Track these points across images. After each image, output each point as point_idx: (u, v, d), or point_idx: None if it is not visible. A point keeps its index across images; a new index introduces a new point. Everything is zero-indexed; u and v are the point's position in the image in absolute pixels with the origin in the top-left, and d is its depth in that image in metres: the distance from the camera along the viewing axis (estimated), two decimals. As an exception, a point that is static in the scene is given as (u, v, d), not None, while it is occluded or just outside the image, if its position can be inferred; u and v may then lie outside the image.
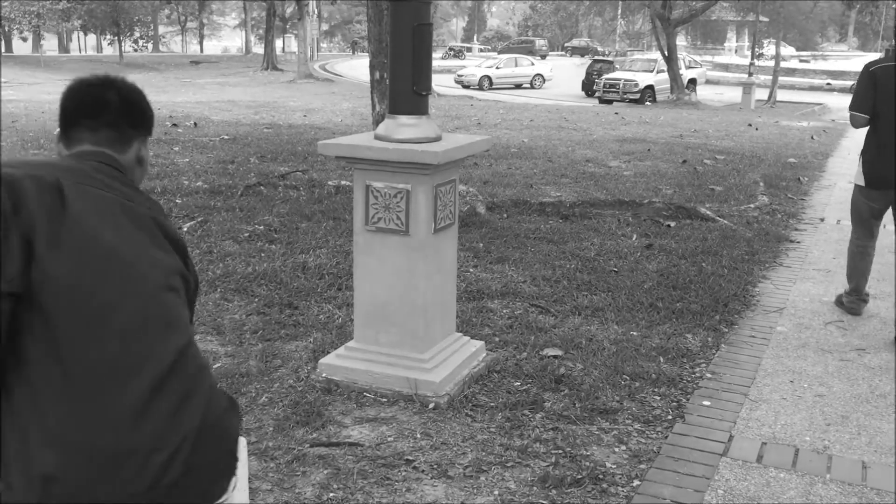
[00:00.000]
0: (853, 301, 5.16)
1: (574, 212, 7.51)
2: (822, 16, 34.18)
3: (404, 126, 3.68)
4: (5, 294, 1.41)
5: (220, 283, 5.16)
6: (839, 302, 5.28)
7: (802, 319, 4.97)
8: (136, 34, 50.85)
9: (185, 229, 6.42)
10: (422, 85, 3.67)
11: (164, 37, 76.97)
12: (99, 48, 59.31)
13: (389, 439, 3.31)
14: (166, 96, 23.33)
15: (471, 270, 5.71)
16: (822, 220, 7.73)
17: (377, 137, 3.72)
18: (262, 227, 6.55)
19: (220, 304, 4.83)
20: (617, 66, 33.23)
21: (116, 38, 47.71)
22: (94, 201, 1.58)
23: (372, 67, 7.41)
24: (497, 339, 4.47)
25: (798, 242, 6.91)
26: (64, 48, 63.87)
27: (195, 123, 14.22)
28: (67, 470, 1.45)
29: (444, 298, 3.92)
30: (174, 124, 13.93)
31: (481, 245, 6.34)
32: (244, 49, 68.75)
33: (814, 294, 5.49)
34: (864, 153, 4.96)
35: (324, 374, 3.82)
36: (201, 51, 73.48)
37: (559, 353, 4.28)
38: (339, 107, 19.78)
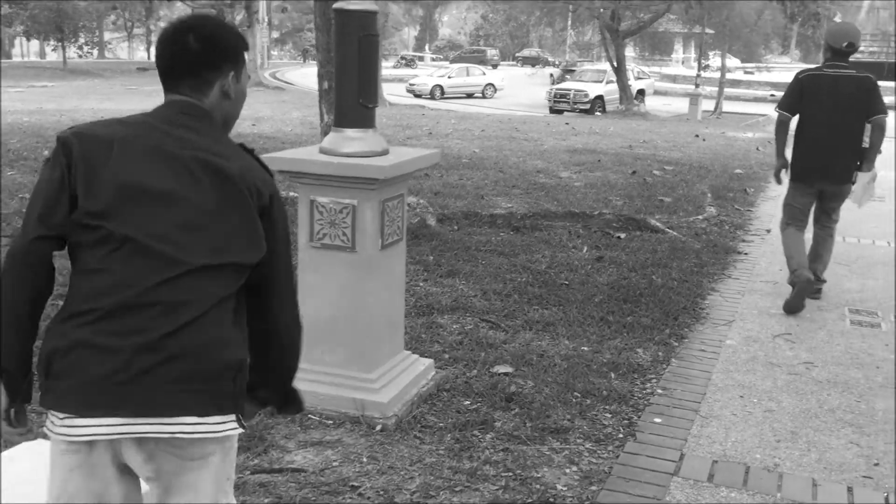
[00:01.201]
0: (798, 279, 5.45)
1: (525, 224, 7.47)
2: (765, 28, 34.88)
3: (350, 139, 3.58)
4: (53, 236, 1.73)
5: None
6: (792, 283, 5.48)
7: (751, 332, 4.99)
8: (81, 40, 49.80)
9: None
10: (368, 98, 3.58)
11: (109, 43, 75.55)
12: (42, 54, 58.00)
13: (334, 464, 3.20)
14: (111, 104, 22.82)
15: (420, 284, 5.62)
16: (768, 231, 7.81)
17: (322, 151, 3.62)
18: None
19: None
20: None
21: (60, 43, 46.69)
22: (137, 152, 1.76)
23: (320, 77, 7.28)
24: (447, 355, 4.38)
25: (746, 254, 6.96)
26: (6, 54, 62.27)
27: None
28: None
29: (392, 316, 3.83)
30: (118, 133, 13.57)
31: (432, 258, 6.26)
32: (193, 56, 67.76)
33: (762, 306, 5.52)
34: (793, 151, 5.58)
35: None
36: (148, 57, 72.20)
37: (510, 369, 4.21)
38: (289, 116, 19.55)
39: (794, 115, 5.49)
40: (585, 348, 4.56)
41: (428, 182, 9.64)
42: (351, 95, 3.57)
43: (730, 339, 4.87)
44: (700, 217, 8.21)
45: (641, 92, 32.85)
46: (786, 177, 5.72)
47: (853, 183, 5.55)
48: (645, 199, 9.11)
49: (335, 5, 3.56)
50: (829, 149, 5.42)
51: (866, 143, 5.41)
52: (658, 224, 7.56)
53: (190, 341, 1.70)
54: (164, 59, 1.88)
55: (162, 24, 56.67)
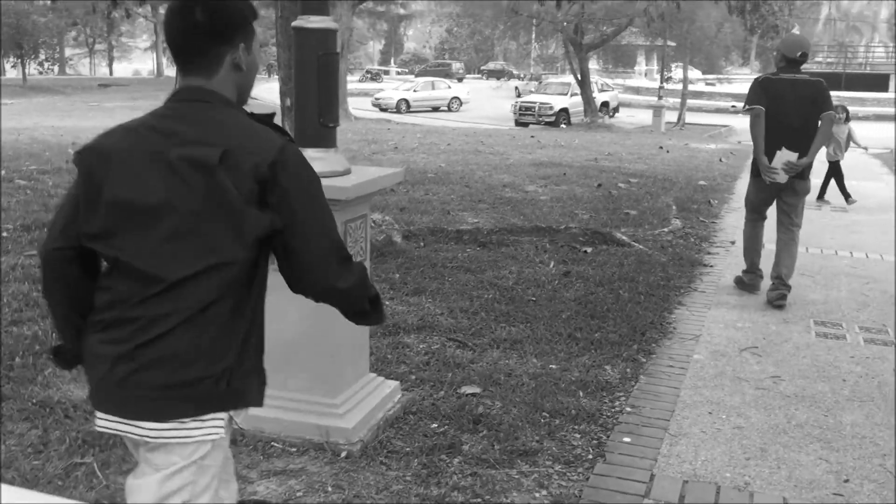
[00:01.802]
0: (752, 278, 6.22)
1: (492, 239, 7.44)
2: (726, 41, 35.43)
3: (311, 160, 3.48)
4: (71, 246, 1.87)
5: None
6: (739, 281, 6.30)
7: (718, 347, 4.98)
8: (41, 56, 49.09)
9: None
10: (329, 117, 3.52)
11: (70, 59, 74.59)
12: (1, 71, 57.10)
13: (298, 494, 3.11)
14: (71, 121, 22.50)
15: (387, 303, 5.54)
16: (732, 243, 7.86)
17: (282, 172, 3.53)
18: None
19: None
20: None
21: (20, 60, 45.98)
22: (131, 164, 1.80)
23: (282, 94, 7.19)
24: (413, 376, 4.31)
25: (711, 266, 6.99)
26: (-37, 71, 61.17)
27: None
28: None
29: (356, 339, 3.75)
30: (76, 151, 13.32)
31: (397, 276, 6.19)
32: (156, 72, 67.24)
33: (728, 320, 5.52)
34: (754, 149, 5.97)
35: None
36: (111, 73, 71.45)
37: (477, 390, 4.15)
38: (253, 131, 19.36)
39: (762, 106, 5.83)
40: (553, 366, 4.52)
41: (394, 198, 9.57)
42: (311, 114, 3.50)
43: (697, 353, 4.85)
44: (665, 230, 8.24)
45: (606, 104, 33.17)
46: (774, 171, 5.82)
47: (809, 181, 6.06)
48: (611, 212, 9.13)
49: (294, 23, 3.50)
50: (788, 146, 5.75)
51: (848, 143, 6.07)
52: (624, 238, 7.57)
53: (161, 352, 1.77)
54: (172, 36, 1.87)
55: (123, 40, 55.63)
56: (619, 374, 4.45)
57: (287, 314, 3.55)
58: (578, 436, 3.69)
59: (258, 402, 1.93)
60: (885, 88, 44.24)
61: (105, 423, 1.87)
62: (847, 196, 10.28)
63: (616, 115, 33.64)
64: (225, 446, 1.93)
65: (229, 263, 1.80)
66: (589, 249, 7.23)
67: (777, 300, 5.78)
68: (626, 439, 3.68)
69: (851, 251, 7.69)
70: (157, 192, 1.78)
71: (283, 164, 1.81)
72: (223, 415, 1.85)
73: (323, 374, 3.59)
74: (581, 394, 4.16)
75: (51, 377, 4.11)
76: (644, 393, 4.24)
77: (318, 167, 3.49)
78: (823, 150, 10.01)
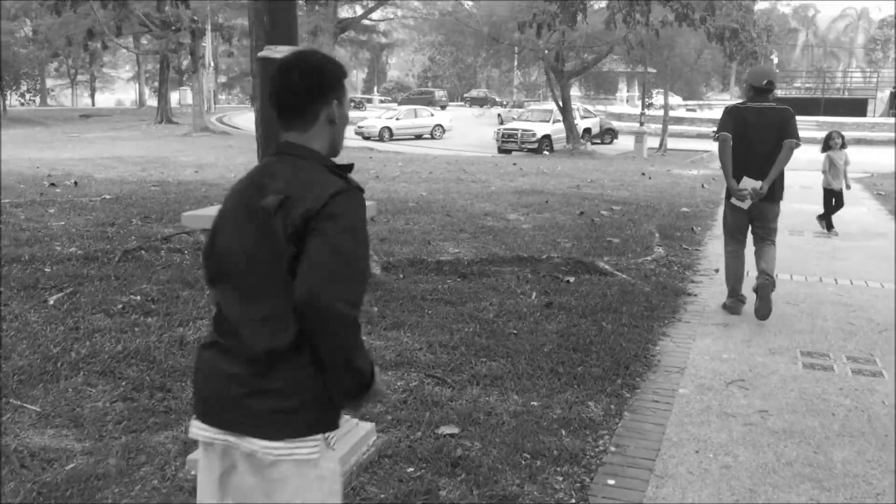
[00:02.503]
0: (734, 302, 6.36)
1: (472, 270, 7.31)
2: (705, 67, 35.76)
3: (278, 194, 3.38)
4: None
5: (84, 364, 4.68)
6: (724, 306, 6.41)
7: (704, 380, 4.85)
8: (23, 87, 48.88)
9: (52, 302, 5.89)
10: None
11: (52, 90, 74.45)
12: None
13: (264, 549, 2.93)
14: (51, 153, 22.27)
15: (364, 338, 5.38)
16: (716, 270, 7.76)
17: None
18: (138, 298, 6.07)
19: (81, 389, 4.35)
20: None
21: (0, 92, 45.77)
22: (231, 218, 2.08)
23: (257, 124, 7.06)
24: (390, 416, 4.15)
25: (695, 295, 6.88)
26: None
27: (76, 182, 13.46)
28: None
29: (327, 380, 3.59)
30: (52, 184, 13.15)
31: (376, 309, 6.04)
32: (138, 102, 67.14)
33: (714, 351, 5.40)
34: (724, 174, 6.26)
35: (193, 472, 3.41)
36: (93, 104, 71.32)
37: (456, 430, 4.00)
38: (233, 161, 19.24)
39: (732, 134, 6.13)
40: (535, 403, 4.37)
41: (374, 228, 9.44)
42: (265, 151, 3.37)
43: (683, 387, 4.72)
44: (649, 258, 8.15)
45: (588, 131, 33.29)
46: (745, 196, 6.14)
47: (779, 202, 6.27)
48: (593, 240, 9.03)
49: (260, 54, 3.39)
50: (756, 172, 6.05)
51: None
52: (607, 267, 7.47)
53: (269, 384, 1.96)
54: (274, 98, 2.09)
55: (105, 70, 55.60)
56: (602, 411, 4.31)
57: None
58: (561, 478, 3.54)
59: (337, 425, 2.08)
60: (863, 113, 44.75)
61: (209, 434, 2.06)
62: (830, 226, 10.14)
63: (614, 141, 33.75)
64: (335, 459, 2.10)
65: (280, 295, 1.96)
66: (571, 279, 7.11)
67: (763, 288, 6.01)
68: (611, 482, 3.54)
69: (836, 278, 7.61)
70: (244, 244, 2.02)
71: (322, 214, 1.92)
72: (320, 436, 2.01)
73: (293, 418, 3.42)
74: (563, 432, 4.01)
75: (8, 423, 3.92)
76: (628, 430, 4.10)
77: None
78: (822, 178, 10.03)
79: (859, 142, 30.32)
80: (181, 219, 3.42)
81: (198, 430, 2.08)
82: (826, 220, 10.18)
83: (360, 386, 2.01)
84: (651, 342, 5.53)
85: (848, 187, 10.33)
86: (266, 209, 1.95)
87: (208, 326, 2.21)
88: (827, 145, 10.33)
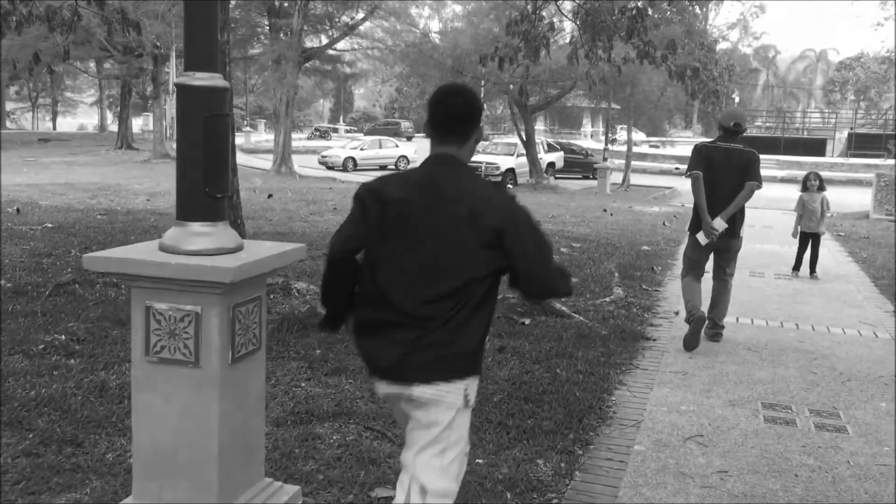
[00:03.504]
0: (692, 320, 6.48)
1: (424, 310, 6.99)
2: (668, 104, 36.11)
3: (195, 235, 3.05)
4: (352, 253, 2.73)
5: (-10, 414, 4.27)
6: (688, 320, 6.54)
7: (661, 435, 4.58)
8: (-20, 110, 47.76)
9: (-33, 341, 5.46)
10: (216, 186, 3.08)
11: (13, 113, 73.12)
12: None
13: None
14: (4, 178, 21.58)
15: (302, 385, 5.05)
16: (676, 313, 7.55)
17: (162, 248, 3.07)
18: (62, 337, 5.67)
19: (-19, 443, 3.95)
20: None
21: (-45, 113, 44.75)
22: (406, 207, 2.60)
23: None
24: (321, 476, 3.81)
25: (654, 340, 6.64)
26: None
27: (18, 209, 12.94)
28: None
29: (247, 441, 3.25)
30: (-6, 211, 12.65)
31: (319, 352, 5.70)
32: (100, 127, 66.17)
33: (671, 402, 5.14)
34: (693, 210, 6.56)
35: (90, 545, 3.05)
36: (54, 128, 70.11)
37: (391, 493, 3.65)
38: (190, 189, 18.77)
39: (702, 171, 6.41)
40: (480, 461, 4.06)
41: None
42: (196, 183, 3.06)
43: (638, 443, 4.44)
44: (607, 299, 7.91)
45: (552, 165, 33.32)
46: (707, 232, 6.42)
47: (740, 238, 6.59)
48: (551, 279, 8.77)
49: (176, 80, 3.08)
50: (720, 209, 6.33)
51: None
52: (564, 308, 7.20)
53: (431, 339, 2.56)
54: (439, 116, 2.66)
55: (68, 94, 54.93)
56: (552, 470, 4.01)
57: (164, 415, 3.06)
58: (502, 551, 3.23)
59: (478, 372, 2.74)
60: (822, 153, 45.54)
61: (387, 388, 2.67)
62: (797, 267, 9.91)
63: (594, 177, 33.30)
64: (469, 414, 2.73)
65: (467, 284, 2.54)
66: (527, 321, 6.84)
67: (713, 338, 6.56)
68: (557, 555, 3.22)
69: (797, 323, 7.43)
70: (424, 231, 2.57)
71: (511, 225, 2.53)
72: (464, 382, 2.62)
73: (206, 483, 3.07)
74: (509, 496, 3.70)
75: None
76: (579, 493, 3.80)
77: (202, 244, 3.05)
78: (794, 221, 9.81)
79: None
80: (83, 261, 3.07)
81: (379, 387, 2.72)
82: (796, 261, 9.90)
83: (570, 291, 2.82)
84: (607, 391, 5.26)
85: (822, 234, 9.93)
86: (457, 217, 2.53)
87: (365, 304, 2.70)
88: (804, 186, 10.03)
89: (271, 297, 7.00)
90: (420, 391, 2.58)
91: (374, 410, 4.65)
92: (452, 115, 2.64)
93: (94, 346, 5.54)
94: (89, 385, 4.77)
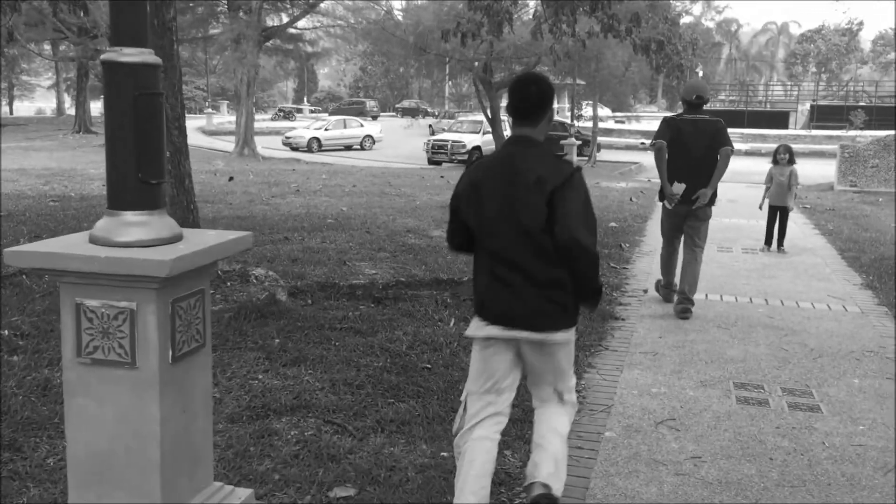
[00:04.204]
0: (667, 293, 7.02)
1: (388, 294, 6.79)
2: (633, 80, 35.95)
3: (128, 225, 2.81)
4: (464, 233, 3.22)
5: (-79, 419, 4.00)
6: (657, 288, 7.22)
7: (632, 420, 4.43)
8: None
9: None
10: (150, 171, 2.83)
11: (-36, 99, 71.18)
12: None
13: None
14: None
15: (259, 377, 4.83)
16: (645, 291, 7.43)
17: (92, 240, 2.83)
18: (5, 332, 5.38)
19: None
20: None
21: None
22: (493, 180, 3.08)
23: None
24: (277, 476, 3.61)
25: (623, 320, 6.50)
26: None
27: (-35, 198, 12.50)
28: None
29: (192, 444, 3.03)
30: (-59, 199, 12.18)
31: (277, 342, 5.47)
32: (57, 111, 64.70)
33: (642, 384, 5.00)
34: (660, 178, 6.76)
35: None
36: (10, 112, 68.36)
37: (351, 492, 3.48)
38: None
39: (666, 141, 6.62)
40: (445, 454, 3.88)
41: (286, 247, 8.86)
42: (128, 169, 2.81)
43: (609, 429, 4.29)
44: (575, 278, 7.75)
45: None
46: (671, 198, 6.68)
47: (712, 206, 6.77)
48: (518, 259, 8.60)
49: (102, 57, 2.81)
50: (689, 178, 6.55)
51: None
52: (531, 289, 7.03)
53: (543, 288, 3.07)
54: (515, 103, 3.09)
55: (24, 78, 53.44)
56: (521, 461, 3.84)
57: (99, 420, 2.83)
58: (468, 552, 3.05)
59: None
60: (785, 125, 45.87)
61: (503, 332, 3.09)
62: (769, 241, 9.78)
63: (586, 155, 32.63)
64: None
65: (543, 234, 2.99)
66: (493, 303, 6.65)
67: (682, 313, 6.58)
68: (526, 555, 3.06)
69: (766, 298, 7.34)
70: (507, 198, 3.02)
71: (565, 186, 2.97)
72: (573, 328, 3.17)
73: (147, 492, 2.85)
74: (475, 491, 3.51)
75: None
76: (548, 485, 3.62)
77: (137, 234, 2.80)
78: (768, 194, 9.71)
79: (782, 154, 30.83)
80: (4, 256, 2.81)
81: (494, 331, 3.11)
82: (767, 235, 9.82)
83: (598, 294, 3.15)
84: (576, 375, 5.09)
85: (790, 208, 9.85)
86: (528, 185, 2.99)
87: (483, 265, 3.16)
88: (775, 159, 9.90)
89: (228, 284, 6.75)
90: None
91: (334, 402, 4.46)
92: (527, 102, 3.08)
93: (38, 340, 5.27)
94: (31, 384, 4.51)
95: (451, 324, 6.06)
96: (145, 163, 2.82)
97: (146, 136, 2.82)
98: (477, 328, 3.16)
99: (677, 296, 6.70)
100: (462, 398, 3.27)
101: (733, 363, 5.45)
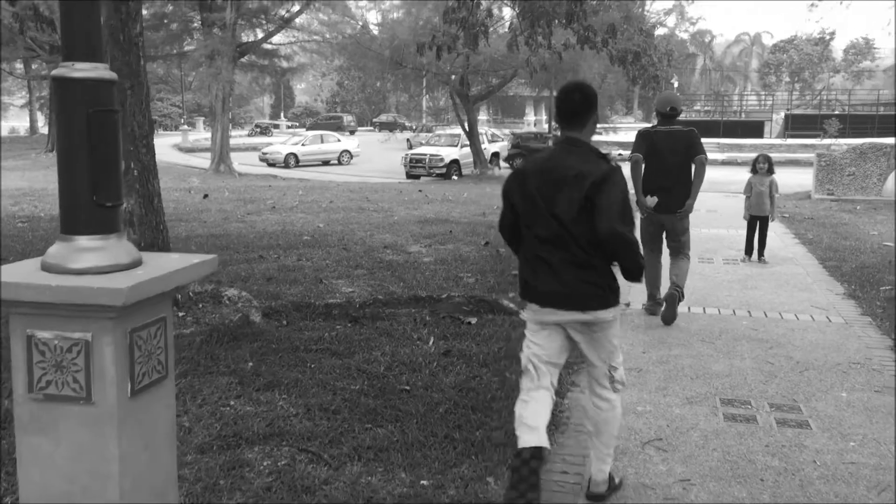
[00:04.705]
0: (651, 305, 7.09)
1: (365, 313, 6.63)
2: (609, 91, 36.13)
3: (83, 251, 2.64)
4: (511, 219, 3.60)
5: None
6: (643, 307, 7.17)
7: (618, 441, 4.25)
8: None
9: None
10: (106, 193, 2.67)
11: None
12: None
13: None
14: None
15: (231, 404, 4.65)
16: (627, 305, 7.31)
17: (45, 267, 2.65)
18: (-35, 361, 5.16)
19: None
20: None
21: None
22: (537, 174, 3.47)
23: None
24: (249, 510, 3.43)
25: (606, 335, 6.37)
26: None
27: (-69, 220, 12.20)
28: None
29: (154, 483, 2.85)
30: None
31: (250, 365, 5.29)
32: (30, 130, 64.02)
33: (627, 402, 4.85)
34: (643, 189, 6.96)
35: None
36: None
37: (327, 527, 3.31)
38: (122, 192, 18.05)
39: (643, 155, 6.85)
40: (425, 482, 3.72)
41: (261, 266, 8.67)
42: (81, 191, 2.65)
43: (594, 452, 4.14)
44: (556, 293, 7.62)
45: (496, 155, 33.12)
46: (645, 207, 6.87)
47: (687, 219, 6.99)
48: (498, 273, 8.48)
49: (53, 73, 2.65)
50: (665, 188, 6.75)
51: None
52: (511, 305, 6.90)
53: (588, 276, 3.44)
54: (563, 109, 3.49)
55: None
56: (503, 489, 3.68)
57: (52, 457, 2.65)
58: (450, 590, 2.89)
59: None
60: (760, 135, 46.22)
61: (555, 317, 3.49)
62: (749, 252, 9.71)
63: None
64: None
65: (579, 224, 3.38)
66: (473, 320, 6.52)
67: (670, 298, 6.72)
68: (511, 591, 2.90)
69: (749, 310, 7.24)
70: (547, 190, 3.40)
71: (603, 181, 3.30)
72: (617, 307, 3.52)
73: (107, 535, 2.67)
74: (457, 521, 3.37)
75: None
76: (533, 514, 3.47)
77: (92, 260, 2.62)
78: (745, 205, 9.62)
79: (758, 163, 30.96)
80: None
81: (546, 315, 3.50)
82: (747, 245, 9.75)
83: (640, 272, 3.39)
84: (558, 394, 4.96)
85: (772, 219, 9.78)
86: (567, 179, 3.34)
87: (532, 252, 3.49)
88: (754, 168, 9.83)
89: (200, 305, 6.55)
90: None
91: (309, 429, 4.28)
92: (573, 107, 3.46)
93: None
94: (-10, 416, 4.30)
95: (430, 342, 5.90)
96: (101, 184, 2.66)
97: (101, 155, 2.66)
98: (532, 312, 3.54)
99: (668, 289, 6.79)
100: (522, 366, 3.67)
101: (719, 378, 5.34)
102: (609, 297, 3.43)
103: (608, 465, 3.61)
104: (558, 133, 3.65)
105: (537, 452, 3.30)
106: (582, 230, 3.33)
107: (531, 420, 3.40)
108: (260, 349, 5.62)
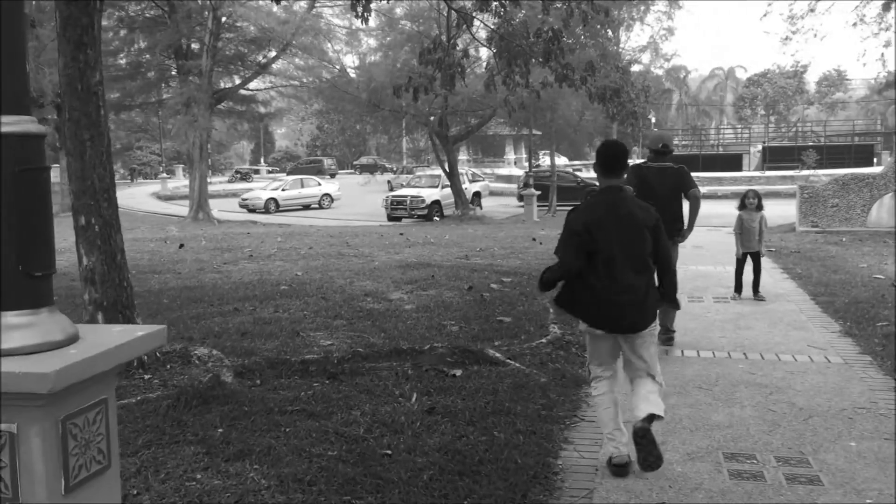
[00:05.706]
0: (664, 338, 7.10)
1: (343, 368, 6.28)
2: (588, 128, 36.21)
3: (8, 329, 2.31)
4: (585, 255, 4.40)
5: None
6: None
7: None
8: None
9: None
10: (34, 262, 2.35)
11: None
12: None
13: None
14: None
15: (198, 477, 4.28)
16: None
17: (-34, 348, 2.33)
18: None
19: None
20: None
21: None
22: (600, 214, 4.37)
23: (75, 211, 5.92)
24: None
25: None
26: None
27: None
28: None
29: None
30: None
31: (220, 432, 4.93)
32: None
33: (625, 461, 4.53)
34: None
35: None
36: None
37: None
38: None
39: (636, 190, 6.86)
40: (409, 564, 3.37)
41: (236, 319, 8.32)
42: (7, 260, 2.33)
43: (592, 521, 3.82)
44: (544, 340, 7.31)
45: (478, 195, 33.00)
46: None
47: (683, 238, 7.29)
48: (482, 320, 8.17)
49: (-28, 128, 2.35)
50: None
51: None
52: (498, 355, 6.58)
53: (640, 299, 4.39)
54: (605, 162, 4.49)
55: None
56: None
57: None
58: None
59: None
60: (739, 167, 46.50)
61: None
62: (739, 290, 9.50)
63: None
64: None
65: (648, 258, 4.42)
66: (458, 373, 6.19)
67: (666, 342, 7.07)
68: None
69: (745, 352, 6.96)
70: (618, 232, 4.34)
71: (656, 228, 4.43)
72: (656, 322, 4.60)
73: None
74: None
75: None
76: None
77: (18, 339, 2.26)
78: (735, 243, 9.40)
79: (738, 195, 31.02)
80: None
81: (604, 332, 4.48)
82: (736, 283, 9.51)
83: (676, 291, 4.71)
84: (552, 454, 4.64)
85: (762, 254, 9.58)
86: (634, 220, 4.37)
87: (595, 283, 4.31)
88: (742, 204, 9.63)
89: (168, 367, 6.19)
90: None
91: (282, 504, 3.92)
92: (614, 161, 4.45)
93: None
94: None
95: (413, 399, 5.57)
96: (29, 252, 2.35)
97: (30, 218, 2.35)
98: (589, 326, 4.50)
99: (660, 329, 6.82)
100: (587, 365, 4.82)
101: (720, 429, 5.03)
102: (651, 315, 4.48)
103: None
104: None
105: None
106: (647, 262, 4.40)
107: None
108: (231, 413, 5.26)
